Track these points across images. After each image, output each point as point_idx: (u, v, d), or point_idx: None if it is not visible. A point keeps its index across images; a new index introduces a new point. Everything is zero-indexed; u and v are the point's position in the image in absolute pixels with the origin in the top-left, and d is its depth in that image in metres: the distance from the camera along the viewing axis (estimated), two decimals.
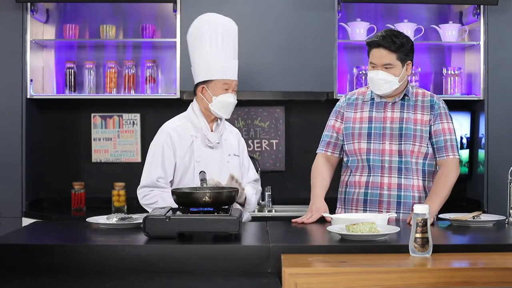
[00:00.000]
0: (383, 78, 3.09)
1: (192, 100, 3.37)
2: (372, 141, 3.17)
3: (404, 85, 3.17)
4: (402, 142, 3.13)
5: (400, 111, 3.17)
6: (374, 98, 3.22)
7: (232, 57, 3.24)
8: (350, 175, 3.24)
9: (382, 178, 3.14)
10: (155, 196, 3.13)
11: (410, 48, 3.13)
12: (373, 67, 3.12)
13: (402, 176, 3.13)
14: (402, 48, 3.08)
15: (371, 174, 3.16)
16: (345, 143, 3.25)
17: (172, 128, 3.24)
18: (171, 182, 3.21)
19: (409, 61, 3.13)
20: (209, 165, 3.17)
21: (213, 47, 3.20)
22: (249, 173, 3.38)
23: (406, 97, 3.19)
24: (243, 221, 3.23)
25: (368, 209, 3.15)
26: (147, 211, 3.12)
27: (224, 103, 3.19)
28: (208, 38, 3.21)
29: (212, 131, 3.26)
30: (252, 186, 3.31)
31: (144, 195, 3.17)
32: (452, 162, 3.13)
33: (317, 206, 3.08)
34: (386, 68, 3.09)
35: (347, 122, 3.25)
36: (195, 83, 3.29)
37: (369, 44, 3.15)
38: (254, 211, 3.36)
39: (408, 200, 3.12)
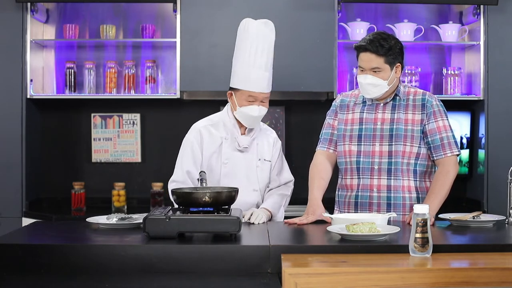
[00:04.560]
0: (372, 83, 3.10)
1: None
2: (362, 143, 3.17)
3: (394, 86, 3.16)
4: (393, 143, 3.13)
5: (391, 112, 3.17)
6: (365, 100, 3.22)
7: (264, 69, 3.15)
8: (342, 178, 3.25)
9: (371, 180, 3.14)
10: None
11: (399, 51, 3.12)
12: (362, 71, 3.12)
13: (392, 178, 3.12)
14: (390, 52, 3.08)
15: (361, 177, 3.16)
16: (337, 144, 3.26)
17: (203, 126, 3.25)
18: None
19: (398, 64, 3.12)
20: (236, 168, 3.18)
21: (247, 56, 3.14)
22: (281, 176, 3.35)
23: (397, 97, 3.18)
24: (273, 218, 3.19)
25: (359, 211, 3.14)
26: (147, 211, 3.12)
27: (246, 115, 3.17)
28: (243, 47, 3.16)
29: (244, 134, 3.24)
30: (277, 198, 3.24)
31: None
32: (450, 160, 3.11)
33: (314, 208, 3.07)
34: (375, 72, 3.09)
35: (339, 123, 3.25)
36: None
37: (357, 48, 3.14)
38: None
39: (398, 201, 3.12)
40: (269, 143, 3.32)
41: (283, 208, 3.27)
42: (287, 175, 3.37)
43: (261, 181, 3.25)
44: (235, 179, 3.15)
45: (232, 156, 3.21)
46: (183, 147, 3.24)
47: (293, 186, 3.39)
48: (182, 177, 3.17)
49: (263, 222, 3.02)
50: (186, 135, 3.27)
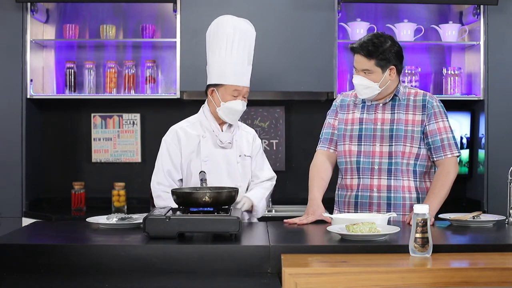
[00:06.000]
0: (362, 84, 3.11)
1: (199, 101, 3.36)
2: (362, 143, 3.17)
3: (392, 87, 3.16)
4: (393, 144, 3.13)
5: (391, 112, 3.17)
6: (365, 101, 3.22)
7: (247, 63, 3.22)
8: (342, 178, 3.25)
9: (371, 180, 3.14)
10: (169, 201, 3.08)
11: (395, 54, 3.11)
12: (356, 71, 3.14)
13: (392, 178, 3.12)
14: (381, 55, 3.07)
15: (361, 177, 3.16)
16: (337, 143, 3.26)
17: (180, 127, 3.27)
18: (181, 181, 3.22)
19: (392, 66, 3.11)
20: (217, 165, 3.20)
21: (228, 52, 3.17)
22: (263, 172, 3.35)
23: (396, 98, 3.18)
24: (247, 220, 3.23)
25: (359, 211, 3.14)
26: (147, 211, 3.12)
27: (231, 109, 3.19)
28: (225, 42, 3.19)
29: (223, 131, 3.26)
30: (261, 190, 3.28)
31: (158, 194, 3.18)
32: (450, 161, 3.12)
33: (314, 208, 3.07)
34: (365, 73, 3.10)
35: (340, 123, 3.26)
36: (207, 84, 3.27)
37: (351, 49, 3.16)
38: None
39: (398, 201, 3.12)
40: (248, 139, 3.34)
41: (265, 201, 3.28)
42: (269, 172, 3.37)
43: (243, 177, 3.26)
44: (216, 175, 3.16)
45: (211, 153, 3.22)
46: (161, 149, 3.25)
47: (275, 182, 3.40)
48: (164, 178, 3.19)
49: (245, 211, 3.15)
50: (163, 137, 3.28)
